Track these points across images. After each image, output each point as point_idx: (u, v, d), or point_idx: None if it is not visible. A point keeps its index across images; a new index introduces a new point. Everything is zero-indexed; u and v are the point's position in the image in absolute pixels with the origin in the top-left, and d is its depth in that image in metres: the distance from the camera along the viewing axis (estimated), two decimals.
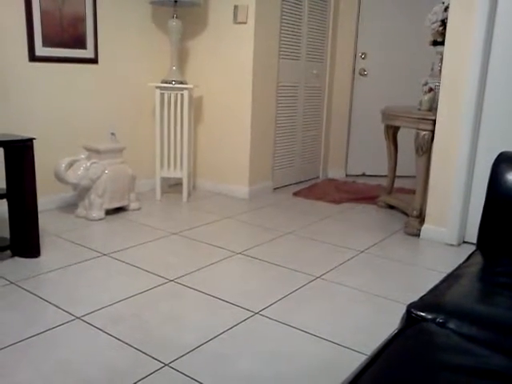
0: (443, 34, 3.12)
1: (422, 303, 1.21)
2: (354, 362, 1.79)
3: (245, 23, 3.83)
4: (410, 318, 1.17)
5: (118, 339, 1.86)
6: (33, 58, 3.25)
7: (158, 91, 3.77)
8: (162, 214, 3.59)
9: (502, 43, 2.84)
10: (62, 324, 1.95)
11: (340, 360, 1.79)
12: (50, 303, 2.12)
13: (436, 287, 1.34)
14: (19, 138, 2.50)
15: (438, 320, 1.15)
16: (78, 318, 2.00)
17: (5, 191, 2.60)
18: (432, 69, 3.44)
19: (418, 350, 0.98)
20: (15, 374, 1.62)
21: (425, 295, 1.28)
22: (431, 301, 1.23)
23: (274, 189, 4.42)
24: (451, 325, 1.13)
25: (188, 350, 1.80)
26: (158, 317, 2.05)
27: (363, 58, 4.90)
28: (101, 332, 1.90)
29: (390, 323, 2.08)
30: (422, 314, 1.17)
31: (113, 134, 3.79)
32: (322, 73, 4.76)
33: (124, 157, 3.56)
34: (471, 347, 1.02)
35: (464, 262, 1.55)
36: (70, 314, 2.03)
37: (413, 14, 4.76)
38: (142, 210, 3.61)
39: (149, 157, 4.15)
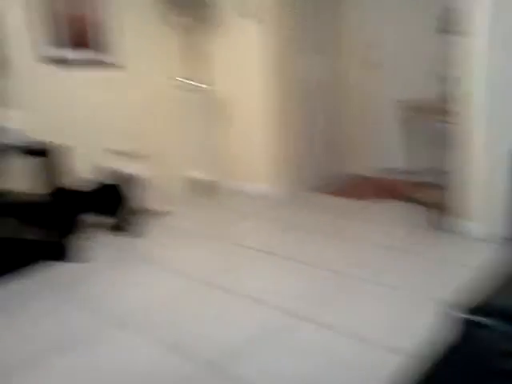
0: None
1: (475, 307, 1.21)
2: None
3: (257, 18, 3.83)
4: (465, 323, 1.17)
5: None
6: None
7: (179, 92, 3.80)
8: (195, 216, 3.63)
9: None
10: None
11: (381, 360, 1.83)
12: None
13: (484, 287, 1.33)
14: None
15: (491, 323, 1.15)
16: None
17: None
18: (446, 58, 3.39)
19: (479, 359, 1.00)
20: None
21: (475, 297, 1.27)
22: (485, 304, 1.23)
23: (302, 189, 4.40)
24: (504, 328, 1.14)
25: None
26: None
27: (372, 49, 4.82)
28: None
29: (429, 321, 2.08)
30: (475, 318, 1.17)
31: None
32: (329, 65, 4.70)
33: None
34: None
35: (499, 257, 1.54)
36: None
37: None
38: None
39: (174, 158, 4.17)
